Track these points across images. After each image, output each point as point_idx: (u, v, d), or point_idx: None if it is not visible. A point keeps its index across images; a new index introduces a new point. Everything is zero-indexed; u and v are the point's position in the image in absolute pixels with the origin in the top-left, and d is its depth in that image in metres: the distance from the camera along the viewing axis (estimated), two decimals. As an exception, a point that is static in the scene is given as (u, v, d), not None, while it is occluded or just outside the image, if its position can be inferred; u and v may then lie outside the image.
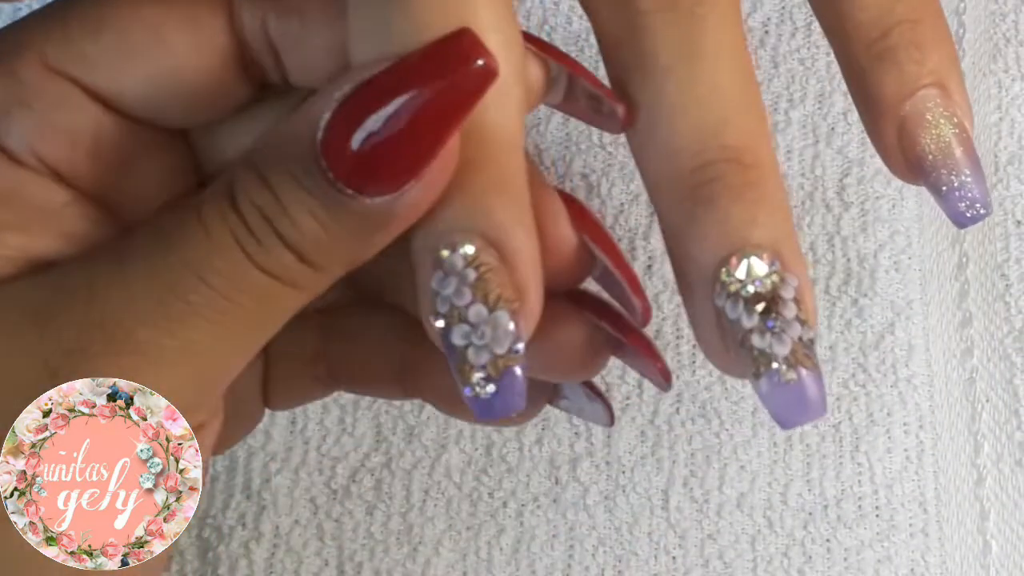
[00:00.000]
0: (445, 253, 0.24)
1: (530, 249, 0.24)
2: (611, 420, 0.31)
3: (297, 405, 0.34)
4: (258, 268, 0.24)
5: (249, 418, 0.31)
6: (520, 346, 0.24)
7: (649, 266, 0.40)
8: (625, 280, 0.27)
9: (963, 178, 0.28)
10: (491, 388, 0.23)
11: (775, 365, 0.24)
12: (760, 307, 0.24)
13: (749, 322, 0.24)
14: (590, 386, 0.31)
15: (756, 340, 0.24)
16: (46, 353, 0.24)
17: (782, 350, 0.24)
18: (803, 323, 0.25)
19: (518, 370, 0.24)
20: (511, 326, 0.23)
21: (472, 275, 0.23)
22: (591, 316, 0.28)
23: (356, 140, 0.23)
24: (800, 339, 0.24)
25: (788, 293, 0.25)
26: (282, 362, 0.31)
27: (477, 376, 0.23)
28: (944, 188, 0.28)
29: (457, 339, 0.23)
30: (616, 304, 0.28)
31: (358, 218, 0.23)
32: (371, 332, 0.31)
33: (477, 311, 0.23)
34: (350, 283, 0.30)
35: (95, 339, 0.24)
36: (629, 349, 0.28)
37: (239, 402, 0.30)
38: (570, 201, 0.27)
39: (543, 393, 0.31)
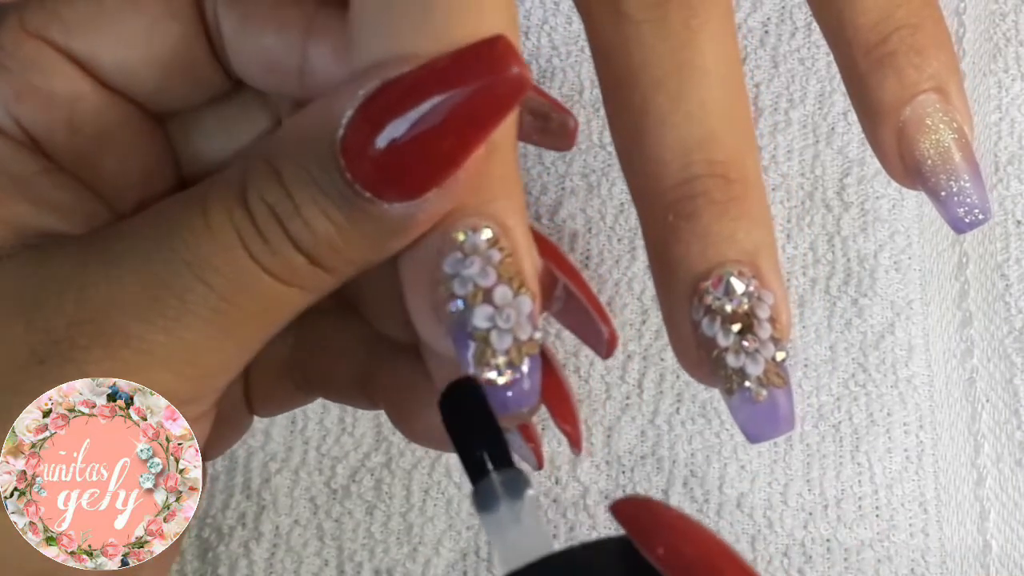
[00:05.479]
0: (463, 235, 0.23)
1: (533, 242, 0.24)
2: (539, 464, 0.30)
3: (282, 411, 0.33)
4: (262, 270, 0.23)
5: (236, 425, 0.31)
6: (539, 335, 0.23)
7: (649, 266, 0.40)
8: (592, 307, 0.26)
9: (962, 183, 0.28)
10: (515, 374, 0.22)
11: (748, 384, 0.25)
12: (736, 327, 0.25)
13: (725, 341, 0.25)
14: (523, 428, 0.30)
15: (731, 359, 0.25)
16: (33, 343, 0.23)
17: (755, 370, 0.25)
18: (777, 342, 0.25)
19: (536, 361, 0.23)
20: (532, 313, 0.23)
21: (496, 256, 0.23)
22: None
23: (380, 142, 0.22)
24: (773, 359, 0.25)
25: (764, 312, 0.25)
26: (261, 367, 0.30)
27: (499, 360, 0.22)
28: (943, 193, 0.28)
29: (480, 321, 0.22)
30: (548, 351, 0.27)
31: (375, 223, 0.23)
32: (339, 339, 0.30)
33: (503, 292, 0.22)
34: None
35: (84, 331, 0.23)
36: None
37: (224, 409, 0.29)
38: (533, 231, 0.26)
39: None
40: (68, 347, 0.23)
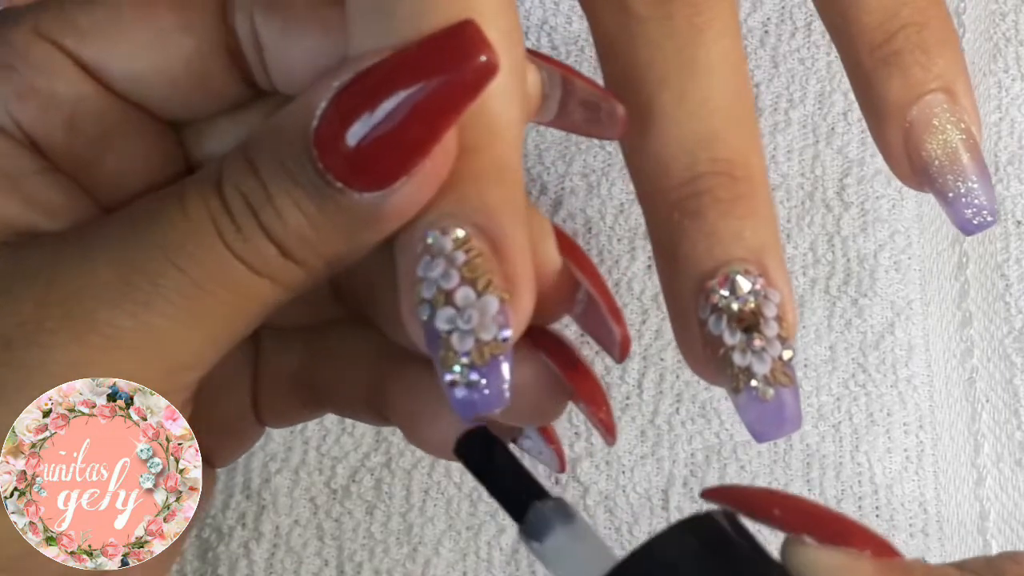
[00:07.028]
0: (432, 238, 0.23)
1: (523, 242, 0.23)
2: (562, 467, 0.30)
3: (291, 424, 0.33)
4: (235, 257, 0.23)
5: (245, 436, 0.31)
6: (508, 334, 0.22)
7: (649, 266, 0.40)
8: (607, 308, 0.26)
9: (970, 184, 0.27)
10: (474, 376, 0.22)
11: (754, 383, 0.25)
12: (743, 326, 0.25)
13: (731, 339, 0.25)
14: (544, 431, 0.29)
15: (737, 358, 0.25)
16: (1, 327, 0.23)
17: (762, 369, 0.25)
18: (783, 340, 0.25)
19: (505, 362, 0.22)
20: (500, 313, 0.22)
21: (461, 257, 0.22)
22: (545, 357, 0.26)
23: (350, 133, 0.22)
24: (780, 357, 0.25)
25: (770, 311, 0.25)
26: (269, 380, 0.30)
27: (461, 363, 0.22)
28: (951, 195, 0.28)
29: (441, 323, 0.22)
30: (574, 347, 0.27)
31: (346, 213, 0.23)
32: (348, 350, 0.30)
33: (464, 294, 0.22)
34: (340, 299, 0.29)
35: (52, 314, 0.23)
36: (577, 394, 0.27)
37: (232, 420, 0.29)
38: (556, 228, 0.26)
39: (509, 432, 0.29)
40: (35, 330, 0.23)
